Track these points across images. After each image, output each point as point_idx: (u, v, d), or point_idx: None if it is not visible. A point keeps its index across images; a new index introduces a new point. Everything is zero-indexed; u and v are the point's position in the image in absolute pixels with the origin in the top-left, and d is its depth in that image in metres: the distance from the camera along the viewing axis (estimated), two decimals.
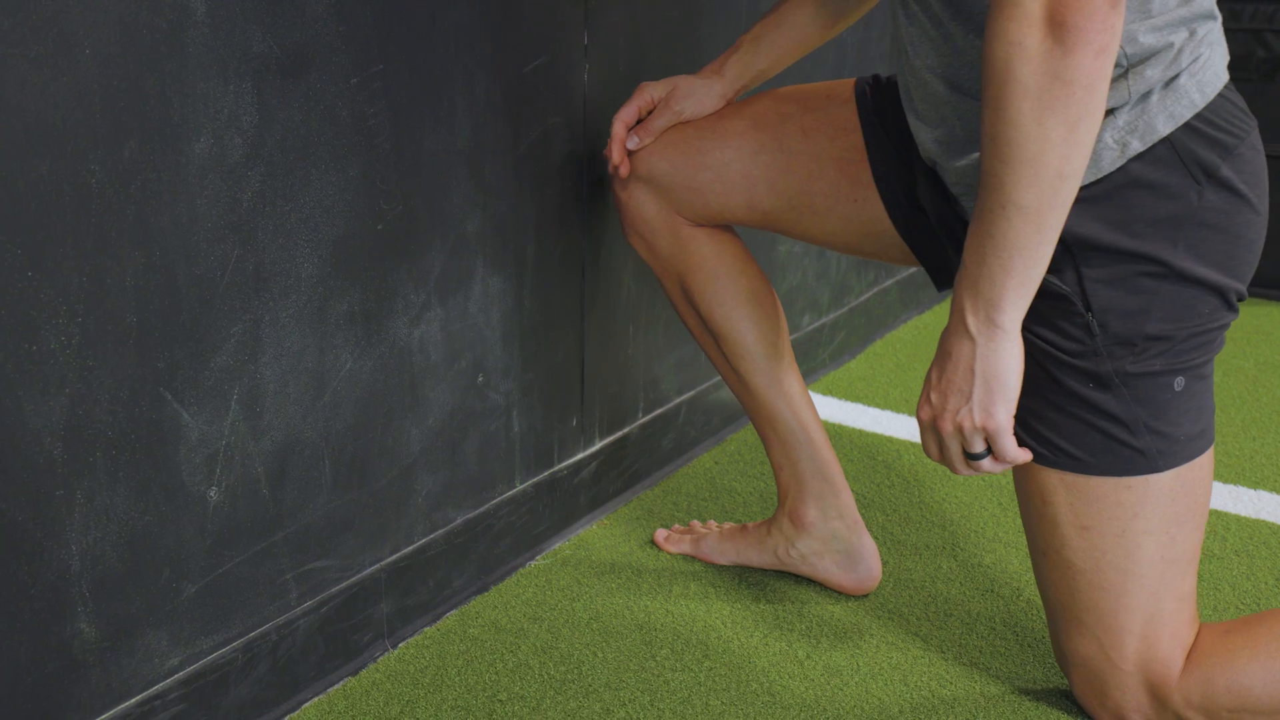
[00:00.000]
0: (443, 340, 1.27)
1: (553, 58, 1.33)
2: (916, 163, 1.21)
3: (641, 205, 1.33)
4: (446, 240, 1.24)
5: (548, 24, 1.31)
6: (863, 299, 2.17)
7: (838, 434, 1.83)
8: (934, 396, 1.02)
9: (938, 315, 2.41)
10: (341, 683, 1.21)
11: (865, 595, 1.39)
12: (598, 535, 1.51)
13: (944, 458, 1.04)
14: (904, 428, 1.86)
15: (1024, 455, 1.02)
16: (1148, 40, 0.99)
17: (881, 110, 1.26)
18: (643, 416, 1.63)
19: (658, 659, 1.26)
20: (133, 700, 1.02)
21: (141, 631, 1.02)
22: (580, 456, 1.52)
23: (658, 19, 1.48)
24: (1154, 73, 1.00)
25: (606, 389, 1.54)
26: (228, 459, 1.06)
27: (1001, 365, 0.98)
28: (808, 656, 1.27)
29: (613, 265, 1.51)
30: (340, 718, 1.16)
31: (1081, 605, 1.11)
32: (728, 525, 1.47)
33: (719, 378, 1.78)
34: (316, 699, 1.19)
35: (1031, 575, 1.43)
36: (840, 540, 1.37)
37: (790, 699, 1.20)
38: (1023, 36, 0.90)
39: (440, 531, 1.32)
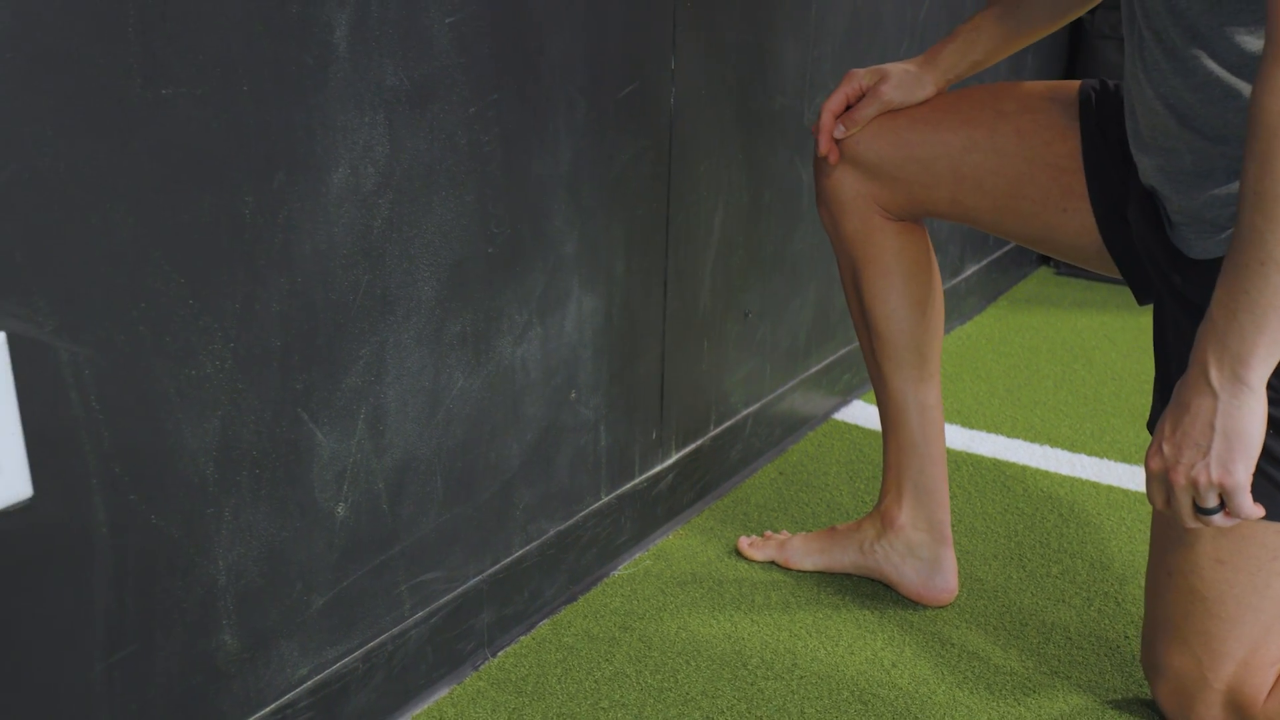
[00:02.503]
0: (541, 358, 1.30)
1: (642, 83, 1.37)
2: (1133, 182, 1.20)
3: (841, 184, 1.34)
4: (548, 261, 1.28)
5: (638, 50, 1.35)
6: None
7: None
8: (1167, 448, 1.02)
9: (978, 325, 2.45)
10: (448, 690, 1.25)
11: (940, 607, 1.43)
12: (675, 545, 1.55)
13: (1171, 508, 1.04)
14: (960, 439, 1.90)
15: (1259, 511, 1.01)
16: None
17: (1104, 121, 1.24)
18: (714, 429, 1.67)
19: (749, 667, 1.30)
20: (268, 709, 1.06)
21: (276, 642, 1.06)
22: (658, 469, 1.56)
23: (737, 40, 1.52)
24: None
25: (682, 402, 1.59)
26: (354, 476, 1.10)
27: (1245, 423, 0.98)
28: (894, 665, 1.31)
29: (691, 282, 1.55)
30: None
31: (1192, 628, 1.14)
32: (815, 532, 1.51)
33: (782, 390, 1.82)
34: (426, 706, 1.23)
35: (1102, 586, 1.47)
36: (924, 549, 1.41)
37: (882, 707, 1.24)
38: None
39: (535, 543, 1.36)
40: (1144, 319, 2.52)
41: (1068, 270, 2.85)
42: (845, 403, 2.03)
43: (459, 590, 1.26)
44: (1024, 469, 1.80)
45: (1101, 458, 1.85)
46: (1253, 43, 1.01)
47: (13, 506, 0.83)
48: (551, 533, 1.38)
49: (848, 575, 1.48)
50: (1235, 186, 1.06)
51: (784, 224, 1.74)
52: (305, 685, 1.09)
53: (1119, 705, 1.25)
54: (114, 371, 0.88)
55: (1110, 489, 1.74)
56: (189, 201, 0.90)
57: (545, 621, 1.38)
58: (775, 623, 1.39)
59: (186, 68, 0.88)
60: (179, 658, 0.97)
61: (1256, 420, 0.97)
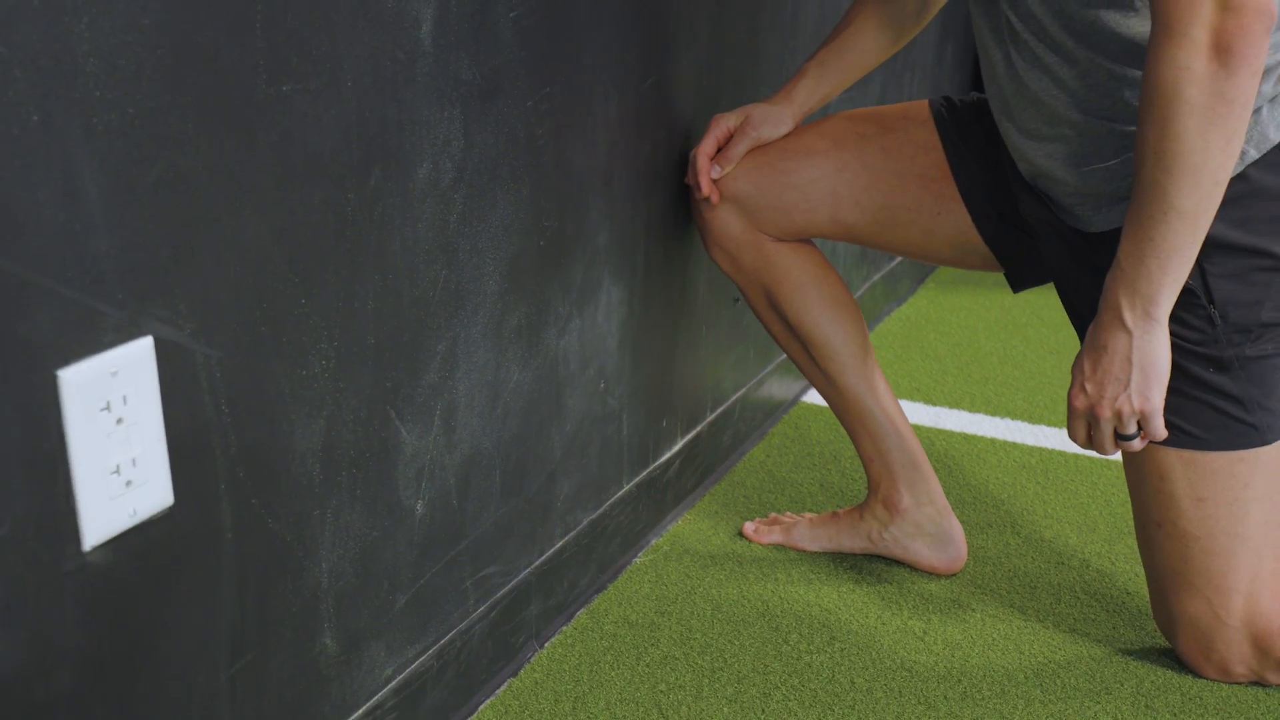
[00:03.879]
0: (579, 349, 1.32)
1: (660, 76, 1.39)
2: (1013, 179, 1.32)
3: (726, 224, 1.41)
4: (585, 253, 1.29)
5: (656, 43, 1.37)
6: (858, 294, 2.29)
7: None
8: (1090, 386, 1.13)
9: (914, 307, 2.54)
10: (506, 684, 1.25)
11: (953, 575, 1.49)
12: (686, 530, 1.58)
13: (1093, 441, 1.16)
14: (926, 416, 1.98)
15: (1164, 432, 1.14)
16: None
17: (960, 129, 1.37)
18: (710, 414, 1.70)
19: (790, 643, 1.34)
20: (360, 711, 1.05)
21: (367, 643, 1.05)
22: (668, 455, 1.58)
23: (727, 35, 1.56)
24: (1266, 88, 1.13)
25: (686, 389, 1.61)
26: (430, 473, 1.10)
27: (1157, 353, 1.10)
28: (925, 632, 1.37)
29: (692, 270, 1.58)
30: (515, 718, 1.20)
31: (1194, 570, 1.23)
32: (816, 514, 1.56)
33: (762, 375, 1.86)
34: (490, 700, 1.23)
35: (1093, 548, 1.56)
36: (932, 524, 1.48)
37: (925, 671, 1.29)
38: (1190, 61, 1.01)
39: (572, 534, 1.37)
40: None
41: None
42: (809, 388, 2.09)
43: (513, 583, 1.26)
44: (992, 441, 1.89)
45: (1062, 428, 1.95)
46: (1131, 26, 1.13)
47: (155, 516, 0.81)
48: (585, 522, 1.39)
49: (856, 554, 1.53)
50: (1121, 160, 1.19)
51: None
52: (391, 685, 1.09)
53: (1137, 654, 1.33)
54: (240, 373, 0.86)
55: (1078, 457, 1.84)
56: (303, 199, 0.89)
57: (582, 611, 1.39)
58: (803, 599, 1.43)
59: (304, 63, 0.86)
60: (289, 663, 0.96)
61: (1165, 351, 1.10)
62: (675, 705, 1.23)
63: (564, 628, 1.36)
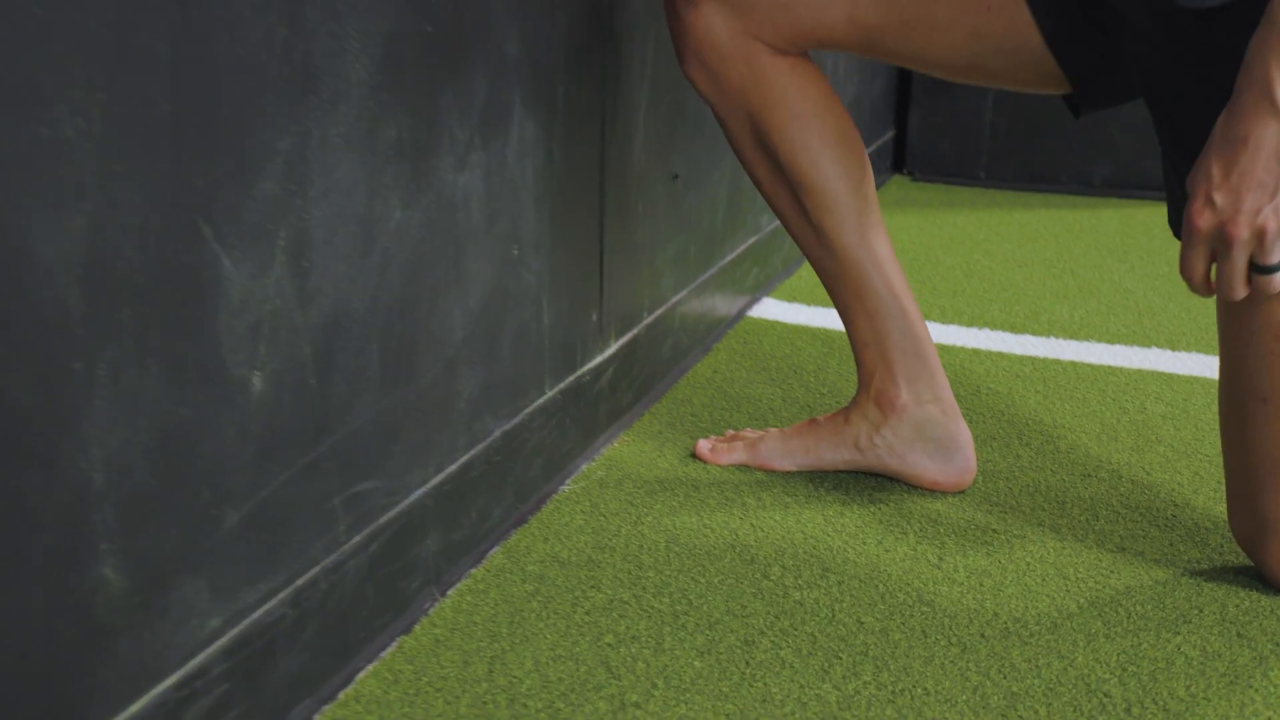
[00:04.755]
0: (484, 195, 0.98)
1: None
2: None
3: (711, 27, 1.08)
4: (489, 63, 0.96)
5: None
6: None
7: (828, 339, 1.64)
8: (1219, 197, 0.83)
9: None
10: (396, 643, 0.91)
11: (960, 492, 1.20)
12: (625, 453, 1.26)
13: (1221, 276, 0.85)
14: None
15: None
16: None
17: None
18: (648, 316, 1.38)
19: (772, 578, 1.03)
20: (170, 680, 0.70)
21: (178, 580, 0.70)
22: (599, 360, 1.26)
23: None
24: None
25: (620, 280, 1.29)
26: (273, 332, 0.75)
27: None
28: (940, 560, 1.07)
29: (625, 127, 1.25)
30: (408, 688, 0.86)
31: None
32: (789, 427, 1.24)
33: (703, 279, 1.55)
34: (373, 666, 0.89)
35: (1122, 458, 1.28)
36: (935, 426, 1.17)
37: (950, 606, 0.99)
38: None
39: (480, 447, 1.03)
40: (1017, 213, 2.39)
41: (923, 176, 2.71)
42: (756, 300, 1.78)
43: (402, 506, 0.92)
44: (975, 352, 1.60)
45: (1048, 336, 1.67)
46: None
47: None
48: (497, 433, 1.06)
49: (839, 471, 1.22)
50: None
51: None
52: (219, 643, 0.74)
53: (1213, 576, 1.05)
54: None
55: (1076, 365, 1.56)
56: None
57: (497, 549, 1.06)
58: (781, 525, 1.12)
59: None
60: (40, 605, 0.61)
61: None
62: (628, 661, 0.90)
63: (473, 570, 1.02)
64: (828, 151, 1.11)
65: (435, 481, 0.97)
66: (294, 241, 0.76)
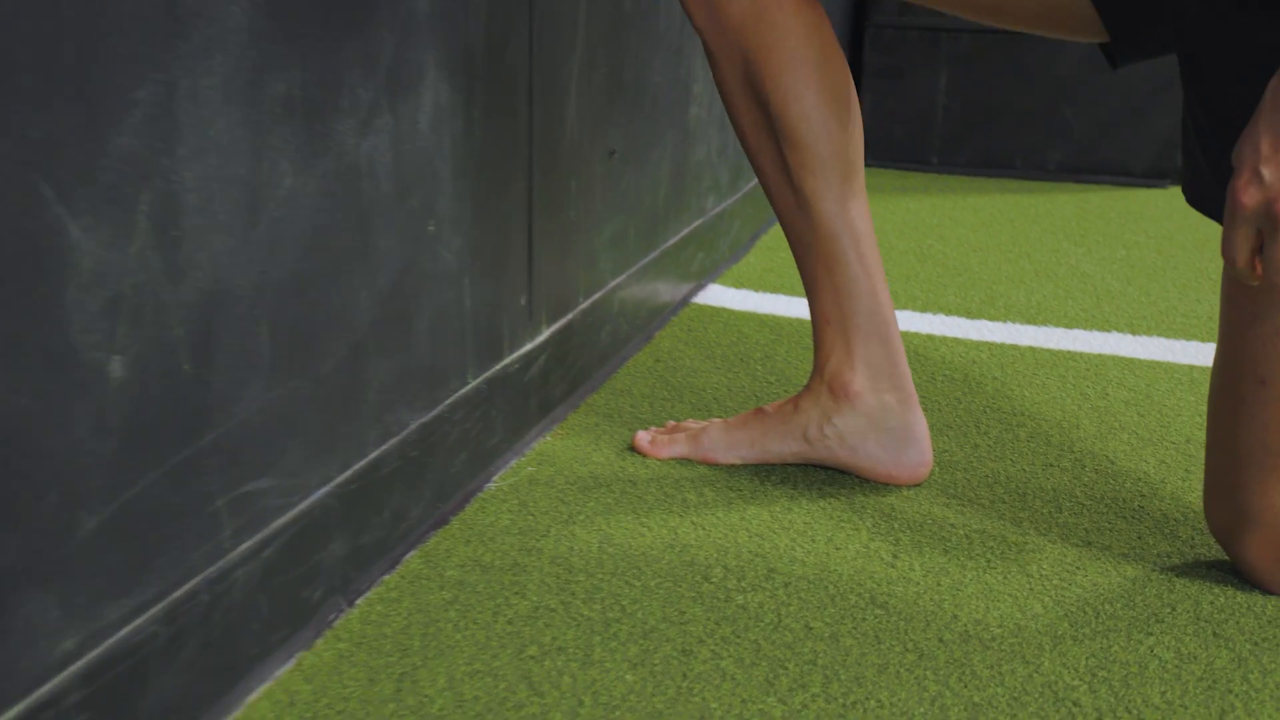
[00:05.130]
0: (393, 164, 0.89)
1: None
2: None
3: None
4: (396, 15, 0.87)
5: None
6: (740, 196, 1.91)
7: (776, 326, 1.56)
8: (1268, 171, 0.73)
9: None
10: (294, 661, 0.82)
11: (916, 485, 1.12)
12: (557, 448, 1.17)
13: (1267, 259, 0.75)
14: None
15: None
16: None
17: None
18: (583, 301, 1.29)
19: (713, 581, 0.94)
20: (12, 713, 0.61)
21: (23, 595, 0.61)
22: (530, 347, 1.17)
23: None
24: None
25: (551, 262, 1.20)
26: (137, 310, 0.66)
27: None
28: (895, 558, 0.99)
29: (556, 97, 1.16)
30: (304, 711, 0.77)
31: None
32: (734, 417, 1.16)
33: (644, 263, 1.46)
34: (266, 686, 0.79)
35: (1085, 446, 1.21)
36: (890, 416, 1.10)
37: (905, 609, 0.91)
38: None
39: (393, 441, 0.94)
40: (971, 198, 2.33)
41: (875, 161, 2.64)
42: (701, 286, 1.70)
43: (301, 508, 0.83)
44: (929, 338, 1.53)
45: (1005, 321, 1.60)
46: None
47: None
48: (413, 426, 0.97)
49: (786, 465, 1.14)
50: None
51: (645, 45, 1.38)
52: (75, 667, 0.65)
53: (1185, 571, 0.98)
54: None
55: (1034, 350, 1.49)
56: None
57: (413, 553, 0.97)
58: (724, 523, 1.03)
59: None
60: None
61: None
62: (553, 675, 0.82)
63: (385, 577, 0.93)
64: (823, 107, 1.02)
65: (340, 479, 0.87)
66: (160, 207, 0.66)
